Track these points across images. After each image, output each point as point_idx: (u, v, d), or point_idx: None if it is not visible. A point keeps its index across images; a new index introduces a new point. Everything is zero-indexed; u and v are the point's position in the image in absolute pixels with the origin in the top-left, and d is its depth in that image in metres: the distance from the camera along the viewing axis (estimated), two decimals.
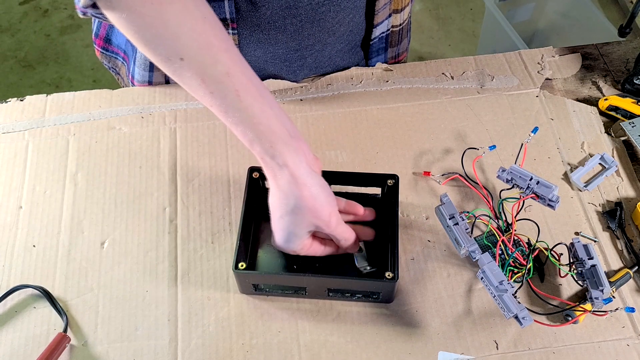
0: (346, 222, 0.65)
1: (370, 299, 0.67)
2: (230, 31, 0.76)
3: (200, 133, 0.80)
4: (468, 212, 0.70)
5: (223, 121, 0.58)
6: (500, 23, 1.65)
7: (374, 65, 0.88)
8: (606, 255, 0.71)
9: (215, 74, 0.56)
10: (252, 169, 0.69)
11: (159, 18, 0.54)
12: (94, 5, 0.56)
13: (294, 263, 0.68)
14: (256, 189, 0.69)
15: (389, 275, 0.63)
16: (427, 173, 0.76)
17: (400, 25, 0.87)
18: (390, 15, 0.84)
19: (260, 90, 0.58)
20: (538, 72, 0.86)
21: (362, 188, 0.72)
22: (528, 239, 0.70)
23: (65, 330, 0.65)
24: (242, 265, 0.64)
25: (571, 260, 0.67)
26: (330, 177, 0.70)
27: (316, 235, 0.65)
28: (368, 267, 0.67)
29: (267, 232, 0.69)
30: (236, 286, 0.68)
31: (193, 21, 0.55)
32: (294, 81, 0.85)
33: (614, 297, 0.67)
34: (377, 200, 0.71)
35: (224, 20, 0.74)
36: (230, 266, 0.69)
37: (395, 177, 0.69)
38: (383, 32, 0.86)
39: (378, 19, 0.83)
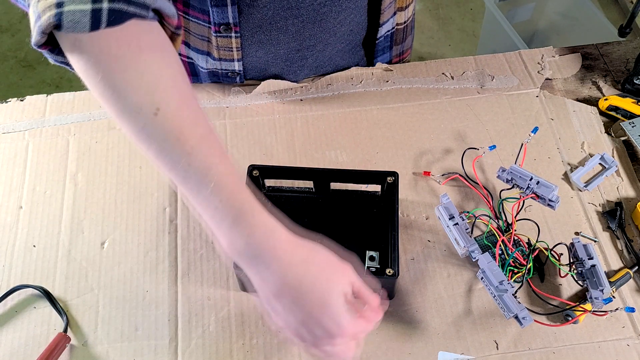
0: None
1: None
2: (233, 34, 0.76)
3: None
4: (468, 212, 0.70)
5: (191, 192, 0.52)
6: (500, 23, 1.65)
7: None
8: (606, 255, 0.71)
9: (196, 131, 0.51)
10: (252, 167, 0.69)
11: (136, 63, 0.49)
12: (51, 45, 0.50)
13: None
14: (256, 187, 0.69)
15: (389, 272, 0.63)
16: (427, 173, 0.76)
17: (405, 22, 0.87)
18: (395, 13, 0.84)
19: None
20: (538, 72, 0.86)
21: (362, 186, 0.72)
22: (528, 239, 0.70)
23: (65, 330, 0.65)
24: None
25: (571, 260, 0.67)
26: (330, 175, 0.70)
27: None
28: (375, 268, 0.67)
29: None
30: (236, 286, 0.68)
31: (173, 75, 0.51)
32: (294, 81, 0.85)
33: (614, 297, 0.67)
34: (377, 197, 0.71)
35: (226, 25, 0.74)
36: (230, 266, 0.69)
37: (395, 175, 0.69)
38: (388, 31, 0.86)
39: (384, 18, 0.83)
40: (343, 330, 0.53)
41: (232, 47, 0.78)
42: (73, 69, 0.52)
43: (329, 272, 0.54)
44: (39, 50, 0.51)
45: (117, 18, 0.48)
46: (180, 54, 0.83)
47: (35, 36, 0.49)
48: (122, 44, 0.49)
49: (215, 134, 0.53)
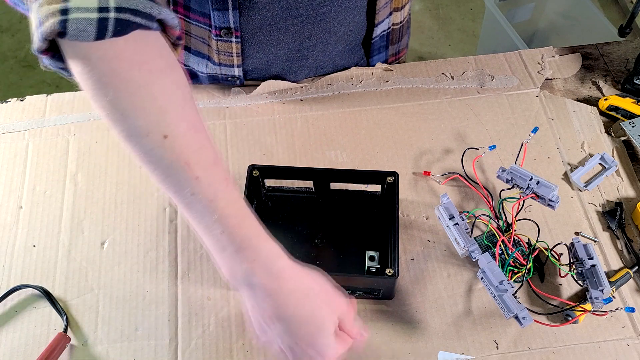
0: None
1: (371, 296, 0.67)
2: (234, 39, 0.76)
3: None
4: (468, 212, 0.70)
5: (195, 219, 0.52)
6: (500, 23, 1.65)
7: (375, 64, 0.88)
8: (606, 255, 0.71)
9: (203, 158, 0.50)
10: (252, 167, 0.69)
11: (147, 87, 0.48)
12: (53, 54, 0.49)
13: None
14: (256, 187, 0.69)
15: (389, 272, 0.63)
16: (427, 173, 0.76)
17: (400, 22, 0.87)
18: (390, 14, 0.84)
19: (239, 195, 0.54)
20: (538, 72, 0.86)
21: (362, 186, 0.72)
22: (528, 239, 0.70)
23: (65, 330, 0.65)
24: None
25: (571, 260, 0.67)
26: (330, 175, 0.70)
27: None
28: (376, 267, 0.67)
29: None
30: None
31: (182, 99, 0.50)
32: (294, 81, 0.85)
33: (614, 297, 0.67)
34: (377, 197, 0.71)
35: (227, 29, 0.74)
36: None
37: (395, 175, 0.69)
38: (384, 31, 0.86)
39: (379, 18, 0.83)
40: (326, 357, 0.54)
41: (232, 52, 0.78)
42: (69, 75, 0.50)
43: (326, 306, 0.54)
44: (40, 55, 0.49)
45: (122, 29, 0.47)
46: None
47: (37, 42, 0.47)
48: (133, 65, 0.47)
49: (221, 160, 0.53)
